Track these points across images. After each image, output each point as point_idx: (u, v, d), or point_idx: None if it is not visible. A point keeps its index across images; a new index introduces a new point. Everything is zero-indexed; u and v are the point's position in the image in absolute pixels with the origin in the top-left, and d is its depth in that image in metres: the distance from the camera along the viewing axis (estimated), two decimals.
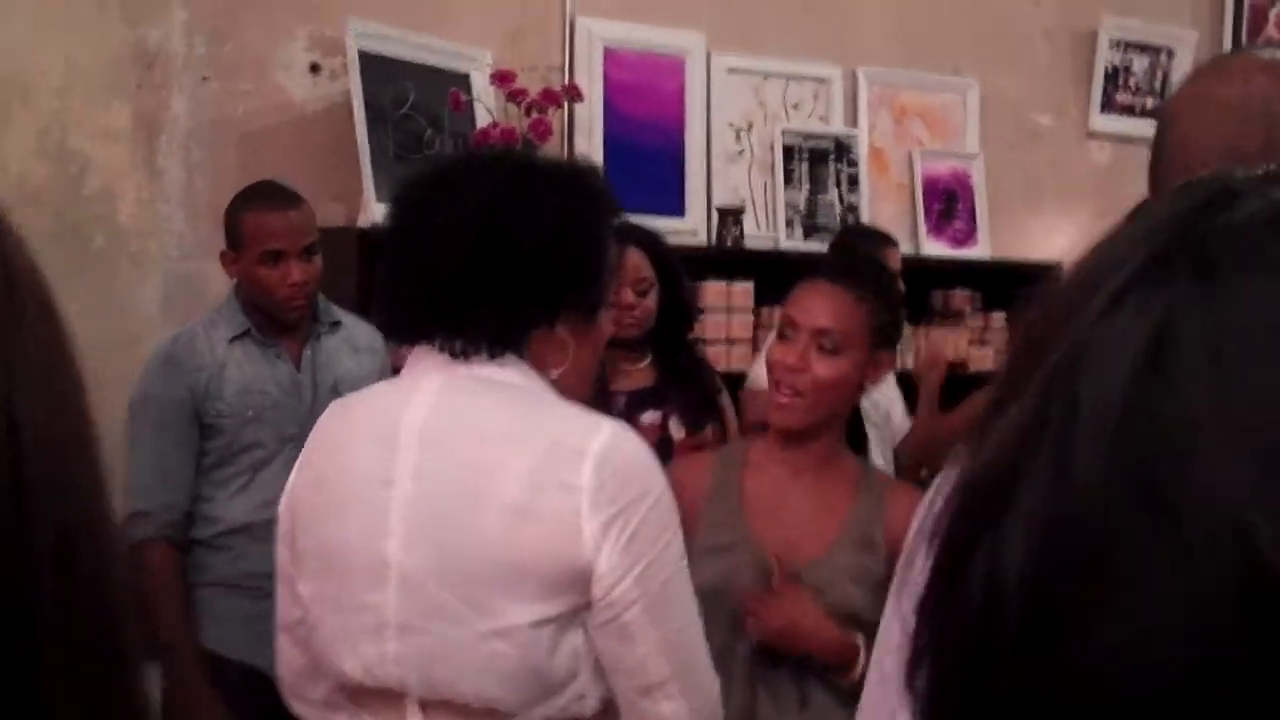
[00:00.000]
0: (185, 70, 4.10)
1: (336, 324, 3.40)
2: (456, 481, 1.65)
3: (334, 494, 1.75)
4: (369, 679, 1.70)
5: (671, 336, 3.57)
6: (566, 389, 1.78)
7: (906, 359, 4.89)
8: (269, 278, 3.20)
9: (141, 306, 4.03)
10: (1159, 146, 1.48)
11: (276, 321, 3.27)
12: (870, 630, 2.17)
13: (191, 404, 3.15)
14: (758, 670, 2.31)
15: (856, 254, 4.14)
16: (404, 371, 1.80)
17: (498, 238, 1.70)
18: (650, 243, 3.53)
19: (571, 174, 1.84)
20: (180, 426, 3.14)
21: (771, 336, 2.51)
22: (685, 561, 1.70)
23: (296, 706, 1.89)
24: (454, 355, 1.72)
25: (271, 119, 4.23)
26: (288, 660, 1.88)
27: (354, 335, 3.43)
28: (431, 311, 1.74)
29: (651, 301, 3.47)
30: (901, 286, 4.22)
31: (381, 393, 1.84)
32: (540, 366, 1.75)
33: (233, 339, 3.23)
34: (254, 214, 3.23)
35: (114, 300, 3.98)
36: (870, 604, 2.21)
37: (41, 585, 0.56)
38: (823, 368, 2.33)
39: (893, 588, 1.45)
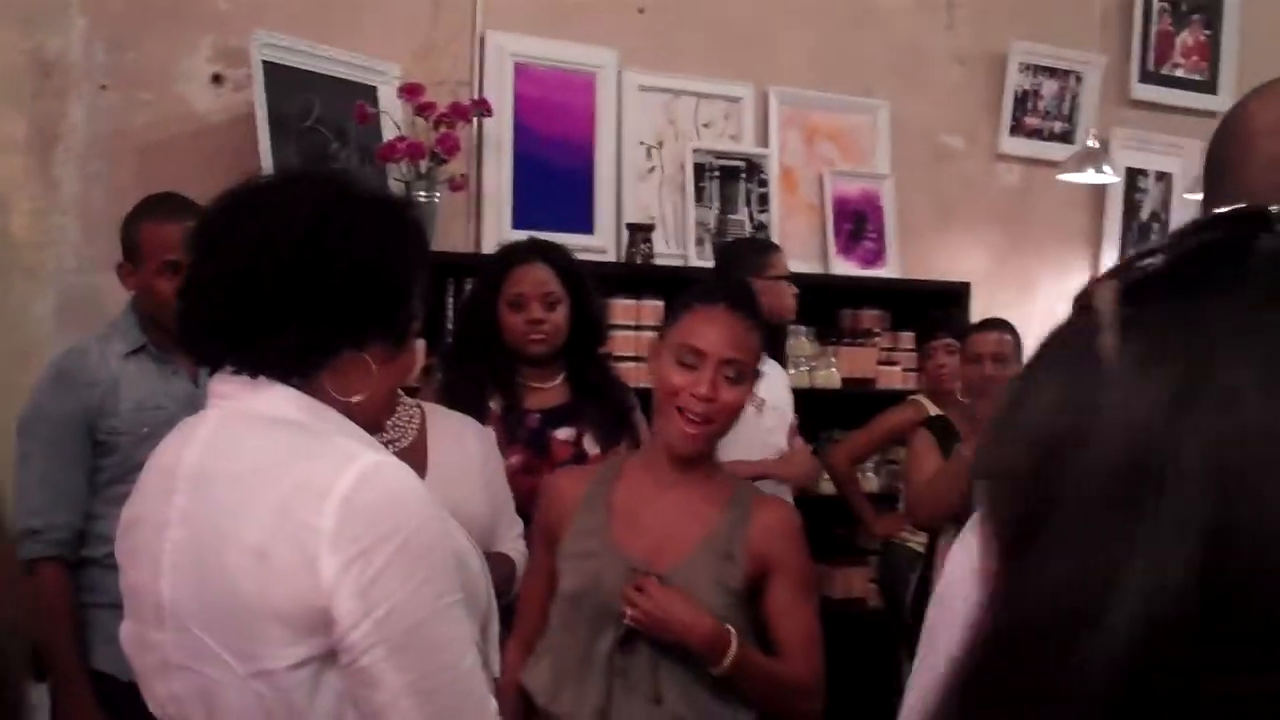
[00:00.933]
0: (84, 79, 4.02)
1: None
2: (210, 525, 1.61)
3: (131, 537, 1.74)
4: (165, 716, 1.70)
5: (582, 352, 3.54)
6: (364, 415, 1.73)
7: (817, 377, 4.90)
8: (168, 290, 3.12)
9: (35, 320, 3.94)
10: (1230, 163, 1.34)
11: (174, 336, 3.19)
12: None
13: (84, 420, 3.07)
14: (615, 668, 2.41)
15: (743, 266, 4.19)
16: (207, 398, 1.76)
17: (314, 255, 1.65)
18: (556, 257, 3.51)
19: (389, 202, 1.82)
20: (72, 443, 3.07)
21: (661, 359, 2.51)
22: (448, 600, 1.61)
23: None
24: (251, 376, 1.67)
25: (172, 130, 4.15)
26: None
27: None
28: (236, 326, 1.68)
29: (560, 316, 3.45)
30: (794, 289, 4.29)
31: (175, 432, 1.78)
32: (342, 392, 1.70)
33: (128, 354, 3.16)
34: (152, 225, 3.16)
35: (6, 314, 3.89)
36: (726, 610, 2.39)
37: None
38: (729, 395, 2.43)
39: (926, 629, 1.36)
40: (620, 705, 2.40)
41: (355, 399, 1.70)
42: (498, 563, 2.81)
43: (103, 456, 3.09)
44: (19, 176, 3.93)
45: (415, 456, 2.64)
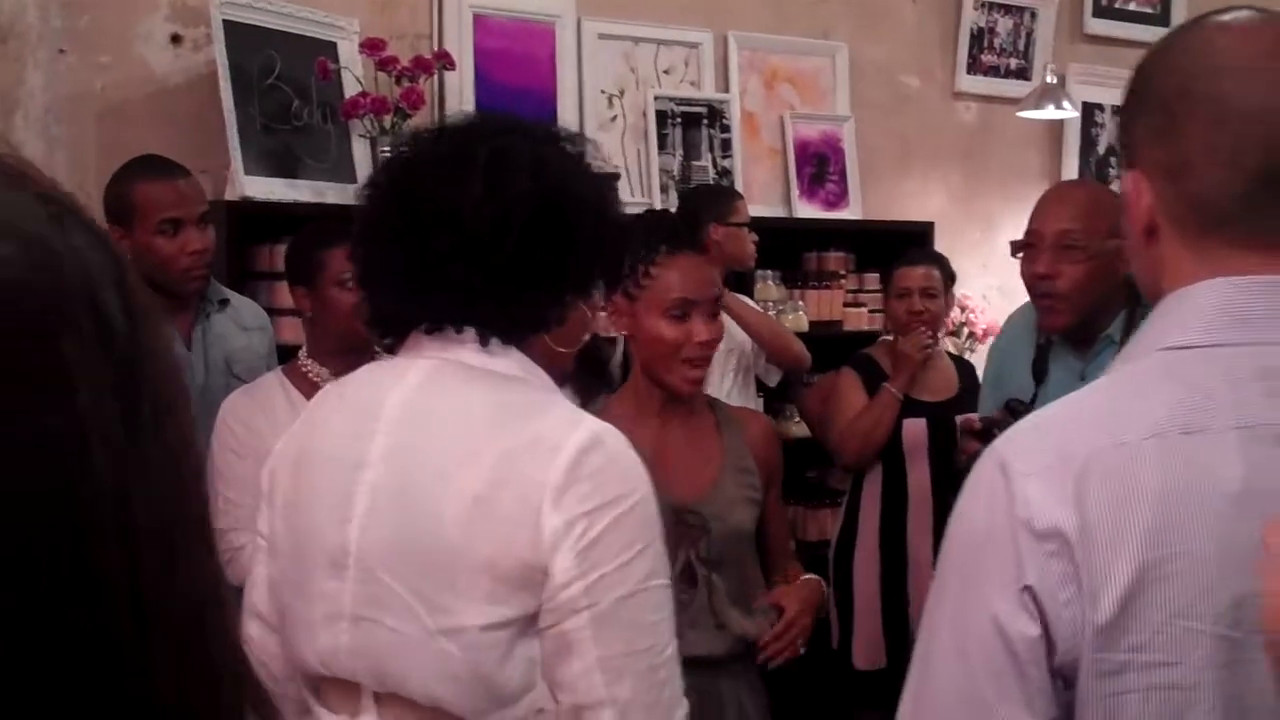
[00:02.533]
0: (40, 43, 3.97)
1: (225, 301, 3.37)
2: (425, 467, 1.57)
3: (309, 475, 1.68)
4: (325, 669, 1.64)
5: None
6: (562, 365, 1.74)
7: (785, 320, 4.92)
8: (167, 248, 3.15)
9: None
10: (1191, 119, 1.22)
11: (166, 300, 3.21)
12: (750, 542, 2.64)
13: None
14: (678, 603, 2.49)
15: (706, 212, 4.30)
16: (401, 352, 1.72)
17: (549, 217, 1.61)
18: None
19: (579, 142, 1.75)
20: None
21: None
22: (658, 583, 1.57)
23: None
24: (483, 342, 1.64)
25: (133, 92, 4.11)
26: (263, 648, 1.75)
27: (241, 313, 3.41)
28: (469, 296, 1.62)
29: None
30: (754, 236, 4.33)
31: (371, 372, 1.75)
32: (564, 343, 1.70)
33: None
34: (146, 185, 3.19)
35: None
36: (752, 521, 2.65)
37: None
38: (716, 331, 2.62)
39: (949, 586, 1.22)
40: (688, 638, 2.48)
41: (574, 348, 1.73)
42: None
43: None
44: None
45: None
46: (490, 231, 1.60)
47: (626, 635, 1.53)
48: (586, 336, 1.74)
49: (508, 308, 1.63)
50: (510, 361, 1.65)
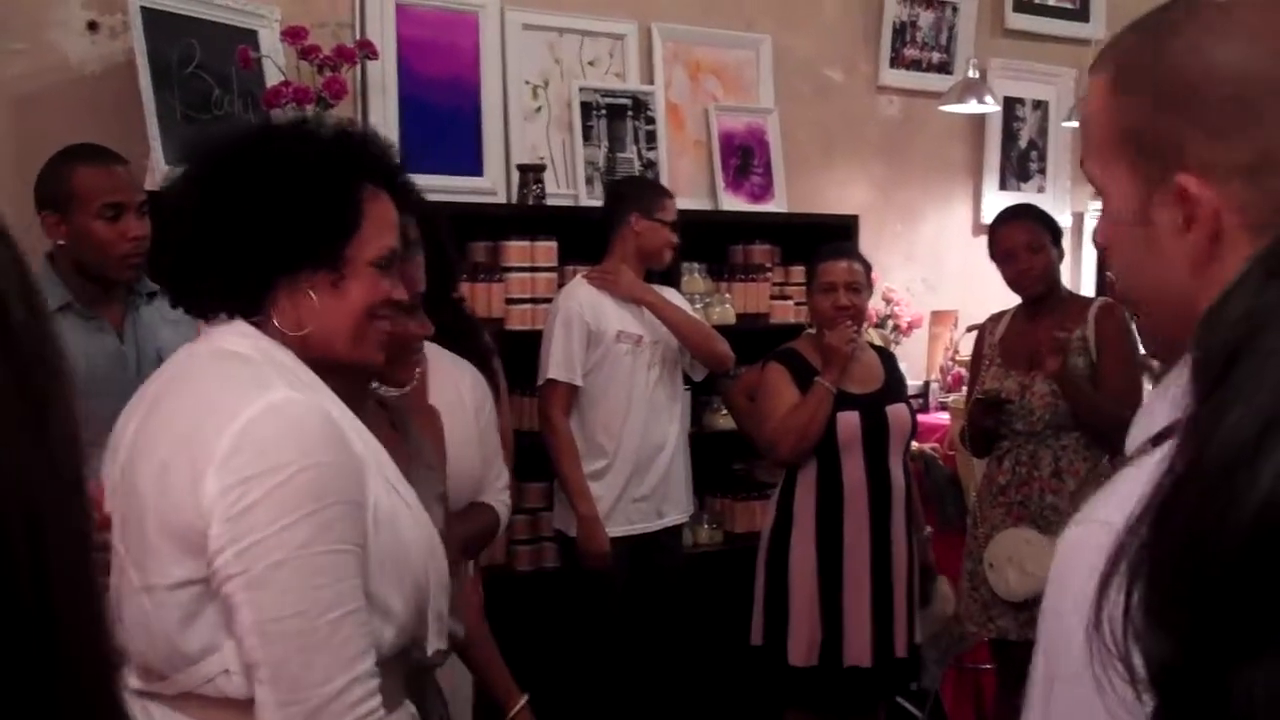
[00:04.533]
0: None
1: (153, 294, 3.32)
2: (145, 440, 1.69)
3: (109, 460, 1.81)
4: None
5: (438, 297, 3.46)
6: (323, 348, 1.75)
7: (712, 313, 4.90)
8: (108, 234, 3.14)
9: None
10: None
11: (98, 291, 3.16)
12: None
13: None
14: None
15: (635, 204, 4.30)
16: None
17: (214, 199, 1.73)
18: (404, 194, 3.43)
19: (311, 134, 1.80)
20: None
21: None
22: (319, 550, 1.58)
23: None
24: (203, 319, 1.81)
25: (48, 80, 4.03)
26: None
27: (167, 305, 3.35)
28: (178, 275, 1.82)
29: (416, 265, 3.37)
30: (675, 239, 4.32)
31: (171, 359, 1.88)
32: (288, 326, 1.74)
33: (53, 312, 3.09)
34: (87, 170, 3.17)
35: None
36: (442, 520, 2.49)
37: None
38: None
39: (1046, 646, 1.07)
40: None
41: (301, 332, 1.74)
42: (480, 512, 2.82)
43: None
44: None
45: (416, 400, 2.57)
46: (172, 219, 1.80)
47: (278, 601, 1.57)
48: (309, 328, 1.74)
49: (197, 287, 1.78)
50: (242, 340, 1.73)
